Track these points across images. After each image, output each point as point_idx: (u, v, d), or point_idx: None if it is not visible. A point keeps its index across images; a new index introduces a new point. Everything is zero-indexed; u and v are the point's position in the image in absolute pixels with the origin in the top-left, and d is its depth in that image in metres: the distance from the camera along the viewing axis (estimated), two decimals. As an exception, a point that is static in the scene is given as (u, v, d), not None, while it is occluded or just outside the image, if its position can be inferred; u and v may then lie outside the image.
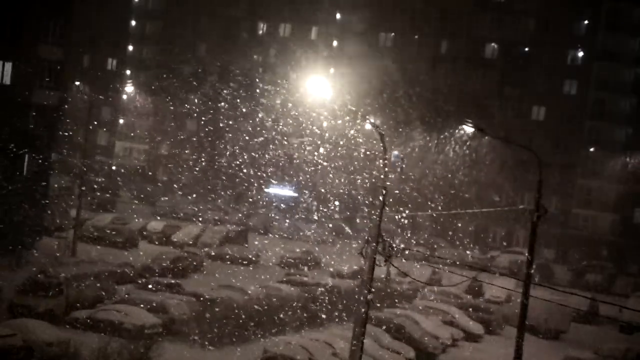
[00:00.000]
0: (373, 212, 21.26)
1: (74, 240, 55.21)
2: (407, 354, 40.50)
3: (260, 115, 78.09)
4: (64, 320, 38.40)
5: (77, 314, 38.86)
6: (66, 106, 68.23)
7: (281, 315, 42.50)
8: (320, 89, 23.16)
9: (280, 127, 75.09)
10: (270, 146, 79.28)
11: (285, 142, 75.05)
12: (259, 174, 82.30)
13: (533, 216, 25.53)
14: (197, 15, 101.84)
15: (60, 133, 64.10)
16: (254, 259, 62.75)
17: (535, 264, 28.15)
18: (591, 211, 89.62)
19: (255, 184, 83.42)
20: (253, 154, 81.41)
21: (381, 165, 21.70)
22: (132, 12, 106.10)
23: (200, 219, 76.63)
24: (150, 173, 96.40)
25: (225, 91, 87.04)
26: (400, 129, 74.29)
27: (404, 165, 60.93)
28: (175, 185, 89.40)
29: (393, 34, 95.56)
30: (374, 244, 21.16)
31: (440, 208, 71.82)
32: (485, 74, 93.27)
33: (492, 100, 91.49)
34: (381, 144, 21.63)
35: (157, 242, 64.53)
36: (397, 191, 57.19)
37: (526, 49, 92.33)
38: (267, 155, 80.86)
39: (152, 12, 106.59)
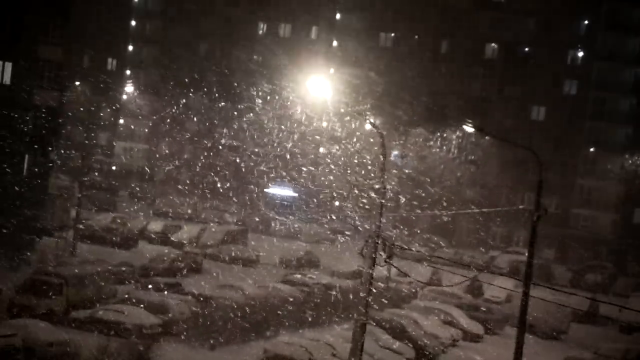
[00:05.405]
0: (373, 212, 21.26)
1: (74, 240, 55.18)
2: (407, 354, 40.47)
3: (260, 115, 78.03)
4: (64, 320, 38.34)
5: (77, 314, 38.78)
6: (66, 106, 68.18)
7: (281, 315, 42.48)
8: (320, 89, 23.14)
9: (280, 127, 75.02)
10: (270, 146, 79.21)
11: (285, 142, 74.97)
12: (259, 173, 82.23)
13: (533, 216, 25.52)
14: (197, 15, 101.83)
15: (60, 133, 64.05)
16: (254, 259, 62.74)
17: (535, 264, 28.10)
18: (591, 211, 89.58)
19: (255, 184, 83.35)
20: (253, 153, 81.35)
21: (381, 165, 21.71)
22: (132, 12, 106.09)
23: (200, 219, 76.61)
24: (150, 173, 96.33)
25: (224, 91, 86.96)
26: (400, 129, 74.24)
27: (404, 165, 60.99)
28: (175, 185, 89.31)
29: (393, 34, 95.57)
30: (374, 244, 21.16)
31: (440, 208, 71.74)
32: (485, 74, 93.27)
33: (492, 100, 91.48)
34: (381, 144, 21.64)
35: (157, 242, 64.53)
36: (397, 191, 57.14)
37: (526, 49, 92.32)
38: (267, 155, 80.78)
39: (152, 12, 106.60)
